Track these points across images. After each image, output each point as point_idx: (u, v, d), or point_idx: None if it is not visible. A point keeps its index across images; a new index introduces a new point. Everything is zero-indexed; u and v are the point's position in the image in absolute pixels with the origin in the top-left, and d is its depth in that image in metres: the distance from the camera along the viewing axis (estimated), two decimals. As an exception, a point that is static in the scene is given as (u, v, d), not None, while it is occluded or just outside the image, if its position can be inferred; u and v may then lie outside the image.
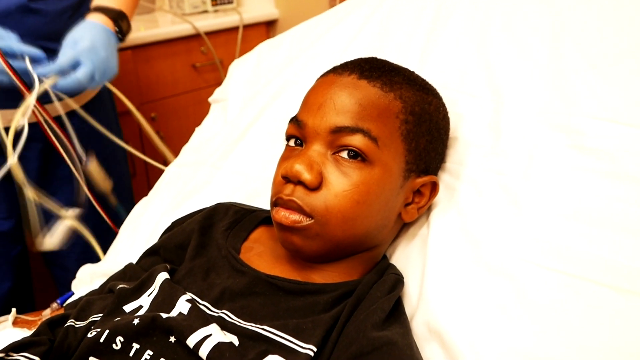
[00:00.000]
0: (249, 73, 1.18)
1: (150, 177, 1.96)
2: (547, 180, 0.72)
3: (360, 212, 0.68)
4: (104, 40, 1.08)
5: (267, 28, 2.27)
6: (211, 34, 2.02)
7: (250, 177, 0.99)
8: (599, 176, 0.70)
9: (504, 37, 0.88)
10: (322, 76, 0.76)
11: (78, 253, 1.29)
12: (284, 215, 0.68)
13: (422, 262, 0.73)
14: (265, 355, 0.60)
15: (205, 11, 2.17)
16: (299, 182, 0.67)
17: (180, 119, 2.00)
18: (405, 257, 0.77)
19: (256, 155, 1.01)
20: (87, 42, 1.04)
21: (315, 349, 0.61)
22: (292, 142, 0.73)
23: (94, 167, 1.20)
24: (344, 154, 0.68)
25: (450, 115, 0.79)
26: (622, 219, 0.66)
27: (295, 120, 0.72)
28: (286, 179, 0.69)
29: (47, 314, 0.96)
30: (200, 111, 1.44)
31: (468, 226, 0.73)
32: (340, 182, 0.67)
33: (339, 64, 0.76)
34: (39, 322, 0.88)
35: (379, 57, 0.78)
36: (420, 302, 0.71)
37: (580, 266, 0.65)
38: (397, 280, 0.71)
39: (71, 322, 0.70)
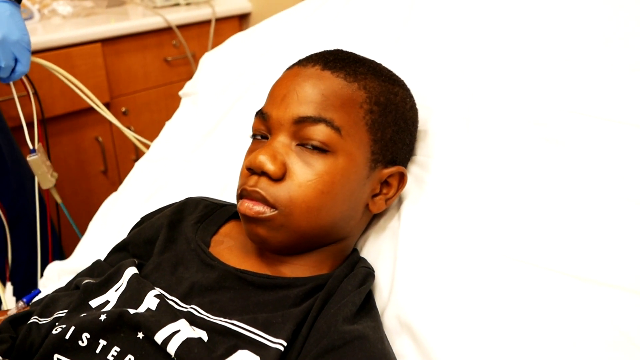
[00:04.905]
0: (220, 66, 1.17)
1: (121, 173, 1.93)
2: (518, 173, 0.73)
3: (325, 202, 0.67)
4: None
5: (240, 21, 2.25)
6: (183, 27, 1.99)
7: (220, 171, 0.98)
8: (568, 168, 0.70)
9: (476, 29, 0.89)
10: (287, 68, 0.76)
11: None
12: (247, 207, 0.67)
13: (393, 255, 0.73)
14: (235, 351, 0.60)
15: (177, 4, 2.14)
16: (263, 173, 0.67)
17: (152, 113, 1.98)
18: (376, 250, 0.76)
19: (227, 149, 1.01)
20: None
21: (285, 344, 0.60)
22: (257, 136, 0.72)
23: (35, 160, 1.16)
24: (308, 145, 0.68)
25: (420, 108, 0.80)
26: (594, 212, 0.67)
27: (260, 113, 0.72)
28: (250, 170, 0.68)
29: (12, 313, 0.93)
30: (172, 105, 1.42)
31: (439, 219, 0.74)
32: (304, 173, 0.67)
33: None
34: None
35: (350, 50, 0.77)
36: (391, 295, 0.71)
37: (551, 259, 0.65)
38: (368, 274, 0.71)
39: (35, 318, 0.68)
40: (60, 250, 1.50)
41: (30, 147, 1.16)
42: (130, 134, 1.31)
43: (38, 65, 1.19)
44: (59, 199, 1.27)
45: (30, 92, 1.17)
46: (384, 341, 0.64)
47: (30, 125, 1.15)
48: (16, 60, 1.02)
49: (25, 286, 1.17)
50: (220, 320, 0.62)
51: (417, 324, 0.66)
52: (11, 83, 1.10)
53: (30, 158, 1.17)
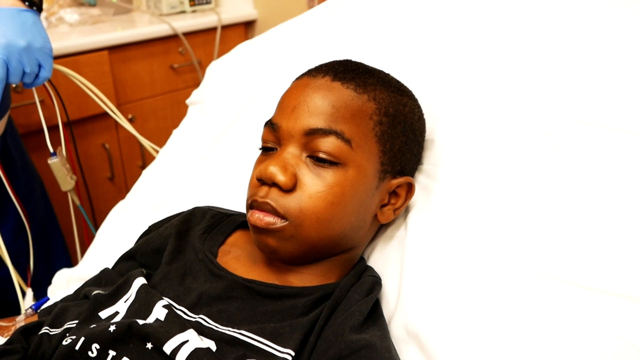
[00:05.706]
0: (227, 75, 1.18)
1: (128, 179, 1.94)
2: (525, 182, 0.73)
3: (335, 213, 0.68)
4: (15, 27, 0.98)
5: (246, 28, 2.26)
6: (189, 34, 2.00)
7: (228, 180, 0.98)
8: (575, 178, 0.70)
9: (482, 38, 0.89)
10: (297, 79, 0.76)
11: None
12: (258, 217, 0.68)
13: (399, 264, 0.74)
14: None
15: (183, 11, 2.15)
16: (274, 184, 0.67)
17: (158, 120, 1.99)
18: (383, 259, 0.77)
19: (234, 158, 1.01)
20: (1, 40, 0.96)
21: (293, 353, 0.61)
22: (267, 146, 0.72)
23: (55, 163, 1.19)
24: (318, 156, 0.68)
25: (427, 117, 0.80)
26: (601, 221, 0.66)
27: (269, 124, 0.72)
28: (261, 181, 0.69)
29: (21, 319, 0.94)
30: (179, 112, 1.43)
31: (446, 228, 0.74)
32: (314, 184, 0.67)
33: (314, 66, 0.76)
34: (13, 329, 0.86)
35: (357, 58, 0.78)
36: (398, 304, 0.71)
37: (558, 268, 0.65)
38: (375, 283, 0.71)
39: (46, 329, 0.69)
40: (68, 255, 1.51)
41: (51, 150, 1.19)
42: (145, 142, 1.33)
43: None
44: (77, 201, 1.28)
45: (53, 96, 1.21)
46: (391, 350, 0.64)
47: (48, 129, 1.18)
48: (39, 66, 1.04)
49: (33, 291, 1.18)
50: (229, 330, 0.63)
51: (425, 333, 0.66)
52: (33, 88, 1.12)
53: (50, 161, 1.20)
